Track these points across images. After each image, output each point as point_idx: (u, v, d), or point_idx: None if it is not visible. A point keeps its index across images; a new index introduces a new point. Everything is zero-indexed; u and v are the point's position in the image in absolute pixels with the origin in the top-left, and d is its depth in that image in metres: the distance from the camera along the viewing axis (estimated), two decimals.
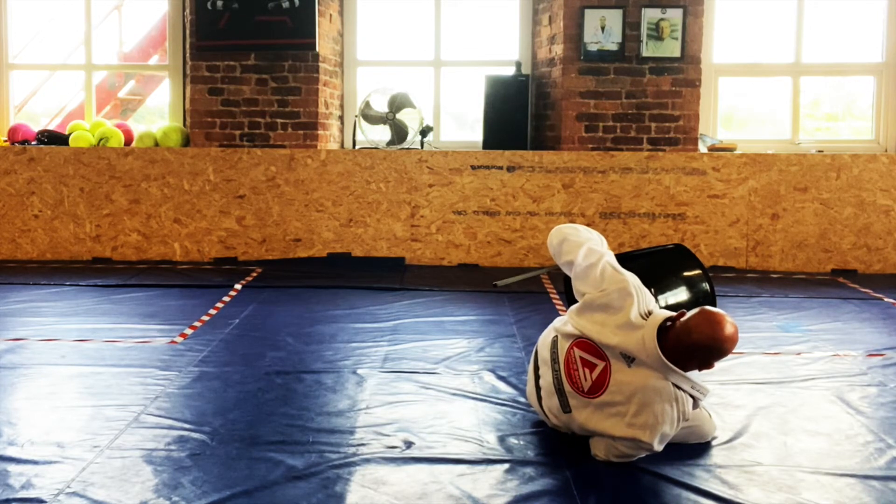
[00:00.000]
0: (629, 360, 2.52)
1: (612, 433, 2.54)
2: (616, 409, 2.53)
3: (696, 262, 3.34)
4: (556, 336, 2.75)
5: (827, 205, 5.92)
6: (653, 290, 3.09)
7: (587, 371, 2.60)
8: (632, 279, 2.65)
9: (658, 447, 2.52)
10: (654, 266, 3.38)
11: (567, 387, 2.66)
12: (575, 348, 2.65)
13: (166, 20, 6.48)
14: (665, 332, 2.50)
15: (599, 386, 2.57)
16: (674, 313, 2.55)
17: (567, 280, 2.98)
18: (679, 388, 2.49)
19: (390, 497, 2.34)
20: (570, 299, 3.12)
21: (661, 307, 3.11)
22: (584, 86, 6.01)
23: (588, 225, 5.90)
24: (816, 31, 6.29)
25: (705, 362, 2.48)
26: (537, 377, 2.82)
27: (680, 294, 3.25)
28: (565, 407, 2.68)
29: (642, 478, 2.50)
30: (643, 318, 2.54)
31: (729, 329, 2.43)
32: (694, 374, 2.53)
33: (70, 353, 3.73)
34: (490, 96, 6.09)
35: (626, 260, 3.13)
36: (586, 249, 2.76)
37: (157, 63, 7.07)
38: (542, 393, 2.78)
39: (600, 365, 2.58)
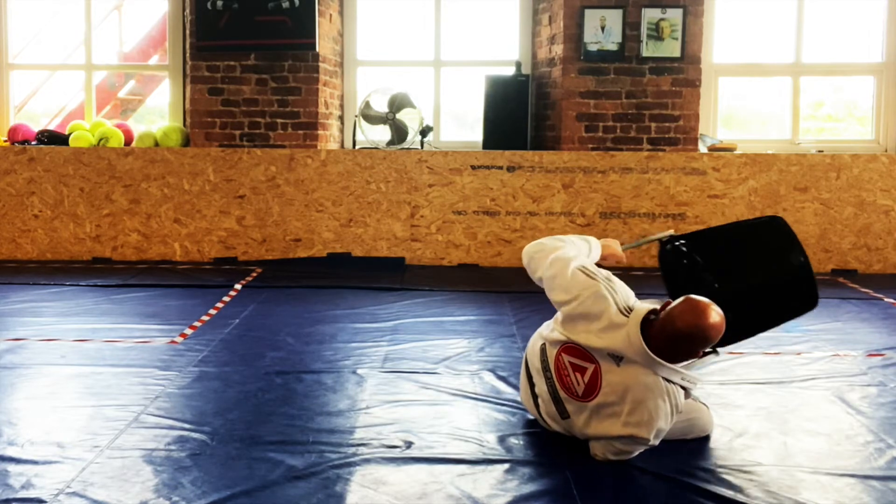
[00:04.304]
0: (617, 359, 2.52)
1: (610, 433, 2.54)
2: (611, 410, 2.53)
3: (790, 238, 2.99)
4: (544, 343, 2.75)
5: (827, 205, 5.92)
6: (745, 268, 2.93)
7: (578, 375, 2.60)
8: (603, 280, 2.62)
9: (654, 441, 2.53)
10: (742, 244, 3.07)
11: (562, 393, 2.66)
12: (563, 354, 2.65)
13: (166, 20, 6.48)
14: (649, 325, 2.49)
15: (592, 389, 2.57)
16: (657, 306, 2.54)
17: None
18: (669, 381, 2.49)
19: (390, 497, 2.34)
20: None
21: (749, 285, 2.93)
22: (584, 86, 6.00)
23: (587, 225, 5.91)
24: (816, 31, 6.29)
25: (691, 351, 2.47)
26: (531, 385, 2.81)
27: (770, 270, 2.97)
28: (563, 413, 2.68)
29: (642, 478, 2.50)
30: (625, 315, 2.53)
31: (714, 317, 2.40)
32: (683, 366, 2.52)
33: (70, 353, 3.73)
34: (490, 96, 6.09)
35: (712, 236, 3.08)
36: (550, 261, 2.75)
37: (157, 63, 7.07)
38: (540, 401, 2.78)
39: (590, 368, 2.58)
